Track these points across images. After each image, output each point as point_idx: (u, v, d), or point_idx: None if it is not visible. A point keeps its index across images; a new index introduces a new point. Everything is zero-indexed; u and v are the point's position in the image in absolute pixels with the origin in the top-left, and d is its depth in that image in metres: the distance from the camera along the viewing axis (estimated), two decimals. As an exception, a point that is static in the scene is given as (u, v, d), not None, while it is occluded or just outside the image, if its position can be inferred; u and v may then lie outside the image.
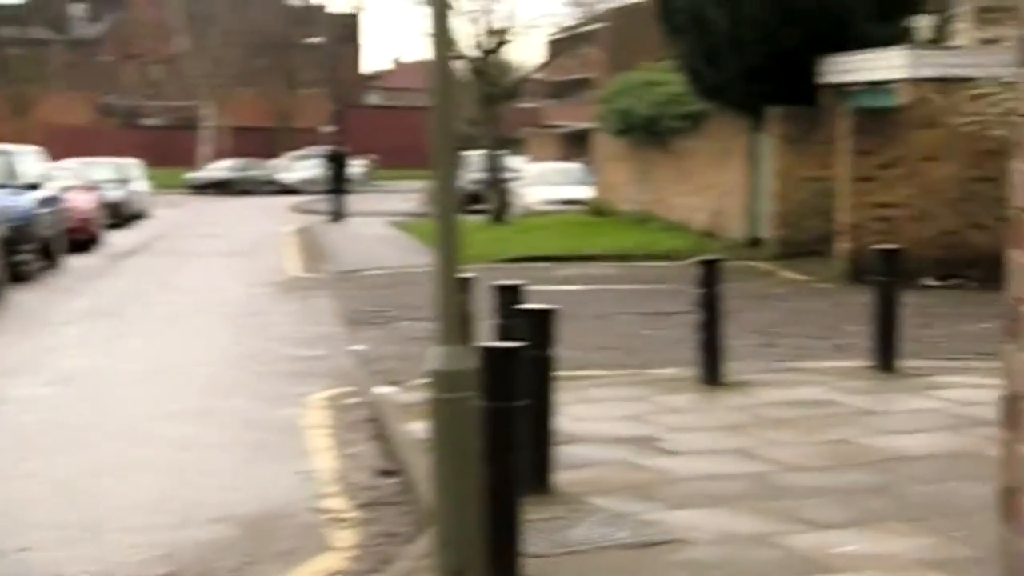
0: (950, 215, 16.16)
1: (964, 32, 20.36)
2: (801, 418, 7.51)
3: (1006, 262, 2.18)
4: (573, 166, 35.15)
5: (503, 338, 6.97)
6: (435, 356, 4.21)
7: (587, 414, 7.90)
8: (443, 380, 4.10)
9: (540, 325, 6.05)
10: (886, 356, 8.86)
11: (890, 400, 8.02)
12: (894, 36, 17.29)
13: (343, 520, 6.14)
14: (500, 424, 4.62)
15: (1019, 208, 2.17)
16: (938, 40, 17.87)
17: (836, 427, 7.23)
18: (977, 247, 15.95)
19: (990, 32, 15.49)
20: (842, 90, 18.20)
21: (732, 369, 8.84)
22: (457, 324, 4.03)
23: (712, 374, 8.64)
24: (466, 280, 8.14)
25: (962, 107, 14.91)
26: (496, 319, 7.29)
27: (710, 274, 8.65)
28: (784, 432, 7.16)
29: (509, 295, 7.26)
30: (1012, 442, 2.19)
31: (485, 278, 17.70)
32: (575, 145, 42.18)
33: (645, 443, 7.05)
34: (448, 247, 4.11)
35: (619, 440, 7.15)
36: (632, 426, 7.52)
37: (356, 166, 46.14)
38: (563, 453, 6.65)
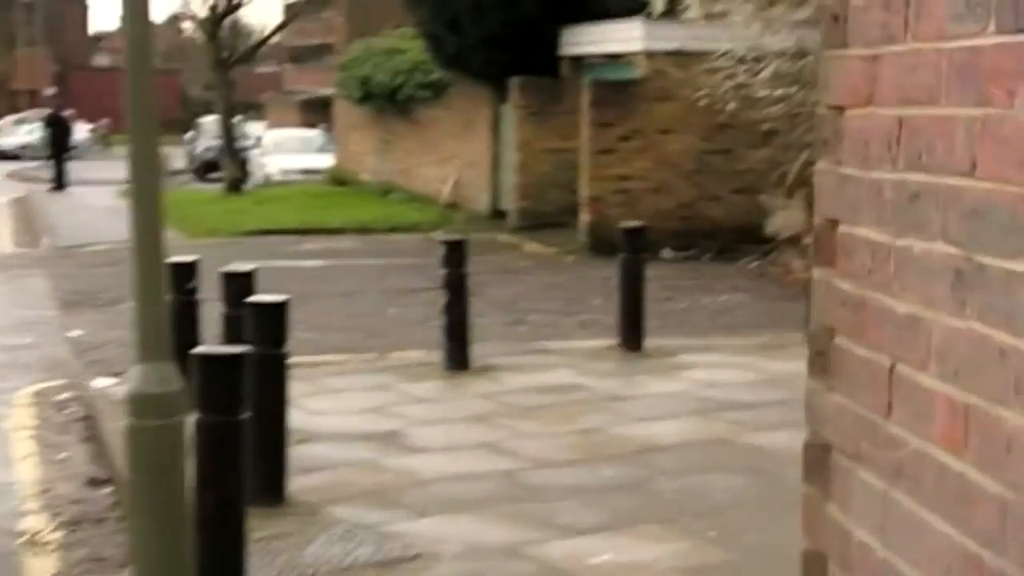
0: (686, 187, 16.43)
1: (695, 6, 20.71)
2: (550, 406, 7.23)
3: (815, 279, 1.82)
4: (314, 134, 34.25)
5: (231, 332, 6.38)
6: (133, 376, 3.58)
7: (326, 407, 7.39)
8: (142, 404, 3.49)
9: (271, 319, 5.49)
10: (633, 335, 8.72)
11: (638, 383, 7.86)
12: (631, 8, 17.38)
13: (43, 543, 5.41)
14: (222, 442, 4.07)
15: (826, 219, 1.82)
16: (671, 13, 18.09)
17: (585, 415, 6.99)
18: (712, 219, 16.29)
19: (718, 6, 15.75)
20: (582, 62, 18.21)
21: (478, 351, 8.50)
22: (160, 336, 3.43)
23: (458, 359, 8.28)
24: (189, 266, 7.48)
25: (697, 81, 15.10)
26: (225, 309, 6.67)
27: (455, 254, 8.26)
28: (533, 422, 6.86)
29: (238, 283, 6.66)
30: (819, 500, 1.84)
31: (219, 255, 16.76)
32: (317, 112, 41.14)
33: (388, 439, 6.60)
34: (149, 243, 3.48)
35: (360, 437, 6.67)
36: (374, 420, 7.06)
37: (82, 131, 43.54)
38: (299, 455, 6.13)
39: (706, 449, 6.18)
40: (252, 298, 5.60)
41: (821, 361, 1.85)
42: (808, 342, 1.89)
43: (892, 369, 1.61)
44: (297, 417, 6.69)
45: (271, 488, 5.42)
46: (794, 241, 15.21)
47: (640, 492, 5.49)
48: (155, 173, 3.53)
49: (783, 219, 16.28)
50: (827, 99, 1.83)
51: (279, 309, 5.47)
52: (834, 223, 1.80)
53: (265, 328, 5.40)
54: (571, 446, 6.35)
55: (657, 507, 5.27)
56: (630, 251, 8.75)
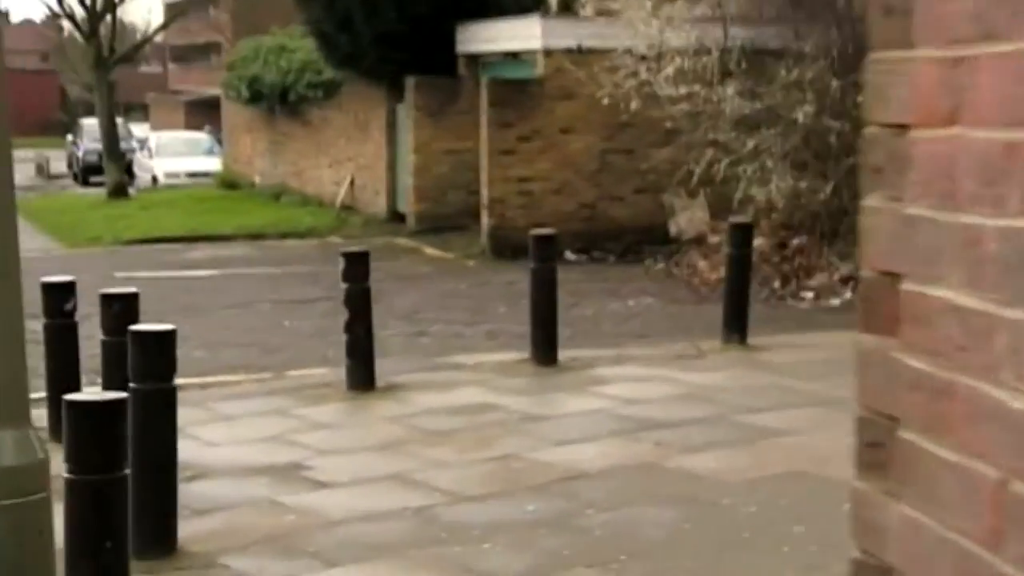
0: (588, 188, 16.09)
1: (590, 3, 20.43)
2: (462, 429, 6.76)
3: (864, 350, 1.39)
4: (201, 136, 33.32)
5: (112, 361, 5.80)
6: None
7: (219, 437, 6.82)
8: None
9: (156, 350, 4.92)
10: (546, 349, 8.29)
11: (554, 401, 7.43)
12: (527, 7, 16.99)
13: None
14: (98, 503, 3.52)
15: (880, 271, 1.39)
16: (568, 9, 17.72)
17: (501, 439, 6.53)
18: (615, 219, 15.99)
19: (616, 4, 15.43)
20: (479, 60, 17.76)
21: (382, 368, 7.99)
22: (17, 395, 2.89)
23: (362, 378, 7.75)
24: (65, 286, 6.85)
25: (598, 78, 14.75)
26: (105, 336, 6.08)
27: (357, 267, 7.74)
28: (445, 448, 6.39)
29: (120, 305, 6.06)
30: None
31: (101, 266, 15.89)
32: (204, 113, 40.09)
33: (289, 473, 6.07)
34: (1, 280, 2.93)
35: (258, 470, 6.13)
36: (274, 450, 6.51)
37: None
38: (191, 494, 5.58)
39: (633, 476, 5.76)
40: (135, 327, 5.02)
41: (875, 456, 1.42)
42: (857, 430, 1.46)
43: (1003, 486, 1.18)
44: (188, 449, 6.14)
45: (159, 539, 4.86)
46: (699, 241, 14.97)
47: (568, 529, 5.05)
48: (5, 191, 2.99)
49: (686, 219, 16.05)
50: (879, 115, 1.40)
51: (165, 339, 4.90)
52: (894, 278, 1.37)
53: (149, 361, 4.83)
54: (488, 476, 5.89)
55: (588, 547, 4.84)
56: (540, 260, 8.31)
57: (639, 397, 7.32)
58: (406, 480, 5.83)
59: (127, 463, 3.62)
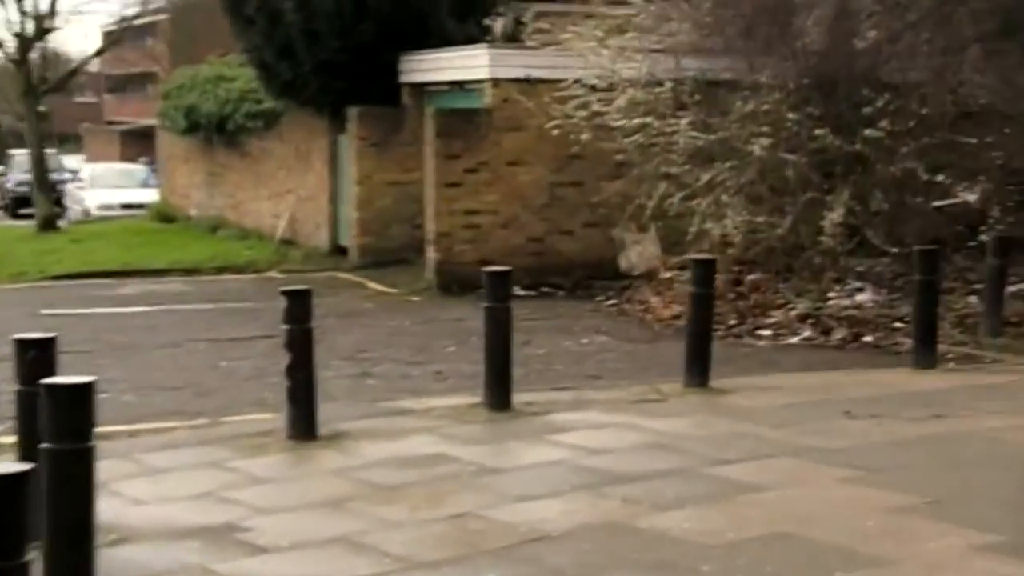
0: (537, 221, 15.69)
1: (535, 34, 20.12)
2: (414, 484, 6.24)
3: None
4: (136, 167, 32.65)
5: (24, 418, 5.24)
6: None
7: (146, 494, 6.24)
8: None
9: (72, 405, 4.37)
10: (500, 393, 7.81)
11: (511, 452, 6.94)
12: (473, 36, 16.61)
13: None
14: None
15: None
16: (512, 40, 17.35)
17: (456, 494, 6.03)
18: (564, 254, 15.59)
19: (565, 34, 15.06)
20: (424, 89, 17.32)
21: (325, 413, 7.46)
22: None
23: (304, 426, 7.22)
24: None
25: (547, 109, 14.37)
26: (19, 386, 5.50)
27: (299, 307, 7.21)
28: (396, 506, 5.87)
29: (35, 352, 5.49)
30: None
31: (26, 302, 15.14)
32: (140, 144, 39.31)
33: (224, 535, 5.51)
34: None
35: (189, 532, 5.56)
36: (207, 508, 5.95)
37: None
38: (113, 561, 5.04)
39: (601, 537, 5.28)
40: (47, 380, 4.46)
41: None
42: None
43: None
44: (111, 508, 5.60)
45: (75, 620, 4.30)
46: (650, 276, 14.58)
47: (535, 602, 4.56)
48: None
49: (636, 254, 15.65)
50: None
51: (81, 392, 4.36)
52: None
53: (64, 418, 4.29)
54: (443, 538, 5.38)
55: (559, 625, 4.34)
56: (495, 298, 7.84)
57: (601, 447, 6.85)
58: (353, 543, 5.31)
59: (27, 549, 3.08)
